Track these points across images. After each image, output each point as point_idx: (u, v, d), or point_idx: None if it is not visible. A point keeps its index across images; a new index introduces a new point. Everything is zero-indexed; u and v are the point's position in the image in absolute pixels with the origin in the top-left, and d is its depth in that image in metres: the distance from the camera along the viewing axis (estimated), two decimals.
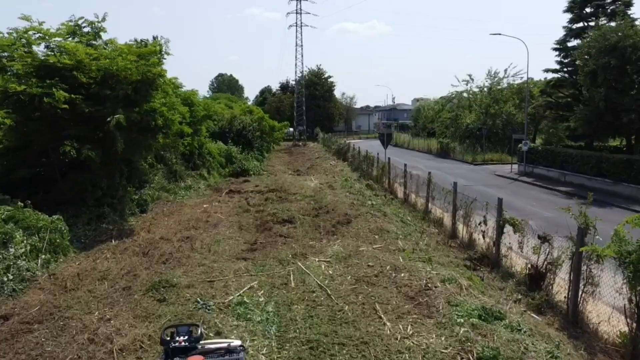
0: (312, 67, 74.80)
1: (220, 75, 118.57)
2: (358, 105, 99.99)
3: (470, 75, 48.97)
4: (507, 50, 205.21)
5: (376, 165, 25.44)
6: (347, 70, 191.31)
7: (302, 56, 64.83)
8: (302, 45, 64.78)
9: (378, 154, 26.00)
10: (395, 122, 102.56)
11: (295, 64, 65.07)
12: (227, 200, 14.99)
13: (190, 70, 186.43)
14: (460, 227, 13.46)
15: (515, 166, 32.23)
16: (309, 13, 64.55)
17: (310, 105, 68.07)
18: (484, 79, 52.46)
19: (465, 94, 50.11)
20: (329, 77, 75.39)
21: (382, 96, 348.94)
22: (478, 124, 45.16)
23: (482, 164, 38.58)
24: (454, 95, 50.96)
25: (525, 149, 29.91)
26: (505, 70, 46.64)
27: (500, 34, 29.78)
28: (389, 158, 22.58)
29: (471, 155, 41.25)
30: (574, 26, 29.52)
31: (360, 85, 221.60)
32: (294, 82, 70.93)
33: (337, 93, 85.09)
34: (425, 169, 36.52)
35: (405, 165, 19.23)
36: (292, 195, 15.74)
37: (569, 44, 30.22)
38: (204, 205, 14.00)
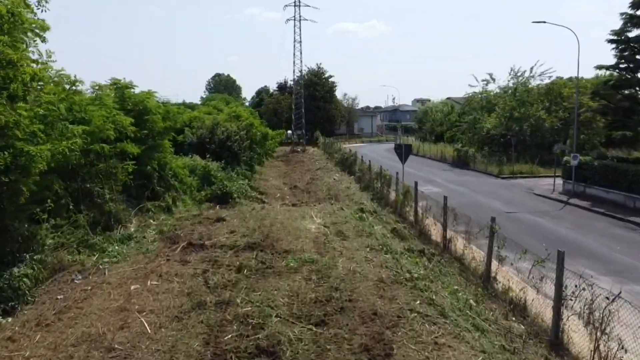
0: (312, 67, 69.20)
1: (218, 75, 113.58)
2: (358, 107, 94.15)
3: (491, 75, 43.39)
4: (514, 50, 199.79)
5: (395, 187, 19.76)
6: (347, 70, 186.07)
7: (300, 53, 59.06)
8: (300, 42, 59.08)
9: (398, 173, 20.30)
10: (398, 124, 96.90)
11: (294, 62, 59.27)
12: (175, 270, 9.25)
13: (189, 71, 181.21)
14: (571, 327, 7.82)
15: (558, 182, 26.43)
16: (308, 6, 58.45)
17: (309, 106, 62.32)
18: (506, 78, 46.85)
19: (481, 95, 44.50)
20: (330, 76, 69.71)
21: (383, 97, 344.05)
22: (501, 130, 39.50)
23: (510, 177, 32.88)
24: (472, 96, 45.33)
25: (574, 163, 24.21)
26: (531, 69, 41.11)
27: (544, 22, 24.14)
28: (415, 182, 16.84)
29: (496, 166, 35.53)
30: (638, 12, 23.82)
31: (360, 85, 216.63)
32: (292, 82, 65.17)
33: (339, 94, 79.46)
34: (445, 184, 30.65)
35: (445, 198, 13.47)
36: (283, 255, 10.05)
37: (630, 35, 24.50)
38: (132, 287, 8.29)
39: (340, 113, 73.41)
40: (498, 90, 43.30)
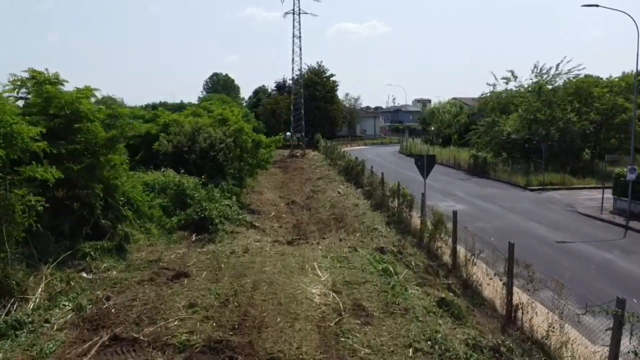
0: (312, 65, 64.89)
1: (215, 74, 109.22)
2: (360, 107, 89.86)
3: (512, 72, 39.12)
4: (515, 50, 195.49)
5: (421, 213, 15.39)
6: (347, 71, 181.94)
7: (300, 50, 54.50)
8: (300, 37, 54.55)
9: (423, 194, 15.91)
10: (400, 125, 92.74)
11: (293, 59, 54.72)
12: None
13: (188, 71, 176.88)
14: None
15: (607, 197, 21.89)
16: None
17: (310, 107, 57.93)
18: (528, 76, 42.57)
19: (505, 94, 40.19)
20: (331, 75, 65.30)
21: (383, 97, 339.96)
22: (525, 133, 35.14)
23: (540, 188, 28.48)
24: (491, 95, 41.03)
25: (632, 177, 19.88)
26: (557, 66, 36.74)
27: (597, 6, 19.79)
28: (454, 212, 12.45)
29: (522, 175, 31.15)
30: None
31: (360, 86, 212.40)
32: (291, 82, 60.75)
33: (340, 94, 75.07)
34: (468, 199, 25.97)
35: (511, 247, 9.06)
36: None
37: None
38: None
39: (342, 114, 69.06)
40: (519, 89, 38.98)
